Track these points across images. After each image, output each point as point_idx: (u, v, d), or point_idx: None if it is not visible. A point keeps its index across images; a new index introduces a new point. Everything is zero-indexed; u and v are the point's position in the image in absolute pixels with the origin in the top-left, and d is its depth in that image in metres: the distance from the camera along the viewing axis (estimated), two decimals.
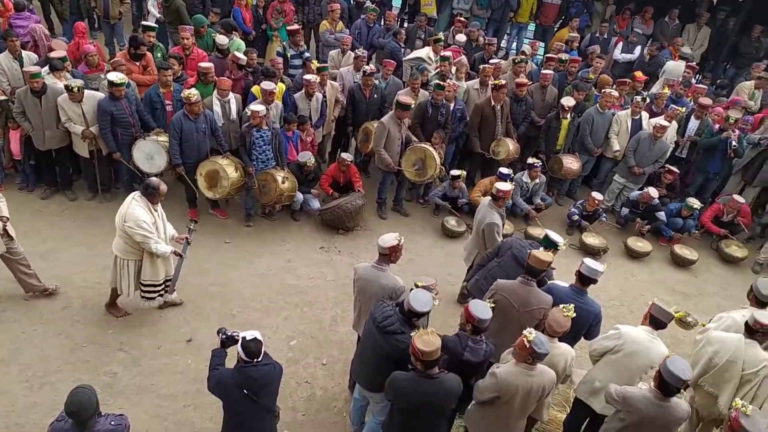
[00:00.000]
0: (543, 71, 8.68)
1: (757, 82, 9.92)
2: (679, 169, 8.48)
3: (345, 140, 8.72)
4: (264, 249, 7.06)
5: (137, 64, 7.58)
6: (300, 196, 7.39)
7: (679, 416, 3.79)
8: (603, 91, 8.44)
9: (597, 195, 8.01)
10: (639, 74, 9.47)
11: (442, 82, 7.61)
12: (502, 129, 8.08)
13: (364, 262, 4.87)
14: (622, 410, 3.89)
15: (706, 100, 8.59)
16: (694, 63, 10.52)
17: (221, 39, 7.98)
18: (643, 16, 11.36)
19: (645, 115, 8.47)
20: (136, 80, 7.47)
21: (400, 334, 3.86)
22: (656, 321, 4.34)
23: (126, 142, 6.80)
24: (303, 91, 7.47)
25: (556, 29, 12.04)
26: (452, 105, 7.88)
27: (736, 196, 8.05)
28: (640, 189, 8.34)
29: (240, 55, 7.57)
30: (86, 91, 6.59)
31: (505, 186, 5.80)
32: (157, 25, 8.69)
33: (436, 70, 8.44)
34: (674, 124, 8.46)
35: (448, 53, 8.55)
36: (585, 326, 4.58)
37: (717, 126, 8.39)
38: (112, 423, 3.40)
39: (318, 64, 7.86)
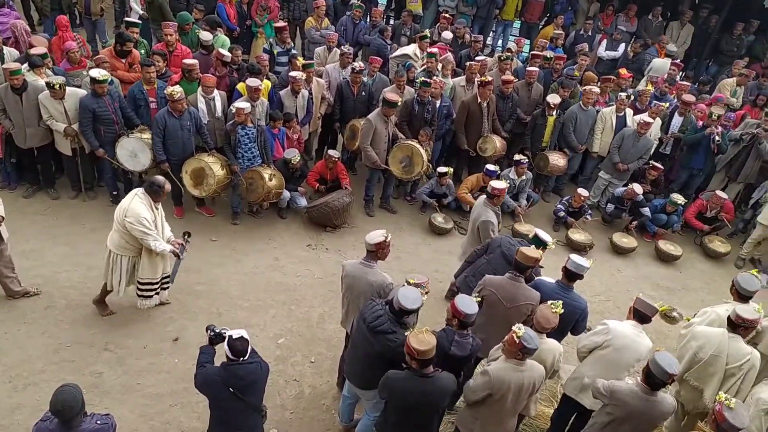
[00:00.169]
0: (528, 68, 8.71)
1: (738, 79, 10.06)
2: (663, 166, 8.56)
3: (332, 137, 8.68)
4: (251, 247, 7.02)
5: (123, 61, 7.48)
6: (287, 194, 7.35)
7: (665, 410, 3.83)
8: (584, 88, 8.51)
9: (582, 191, 8.08)
10: (624, 71, 9.55)
11: (428, 79, 7.62)
12: (488, 126, 8.10)
13: (351, 259, 4.86)
14: (609, 404, 3.93)
15: (689, 97, 8.69)
16: (679, 60, 10.64)
17: (205, 35, 7.90)
18: (627, 13, 11.45)
19: (629, 112, 8.55)
20: (121, 77, 7.39)
21: (391, 333, 3.86)
22: (641, 315, 4.39)
23: (109, 140, 6.71)
24: (289, 88, 7.43)
25: (541, 26, 12.09)
26: (438, 102, 7.88)
27: (719, 192, 8.17)
28: (625, 185, 8.42)
29: (224, 52, 7.50)
30: (68, 88, 6.50)
31: (500, 184, 5.85)
32: (140, 22, 8.57)
33: (423, 67, 8.44)
34: (658, 121, 8.55)
35: (434, 50, 8.55)
36: (571, 322, 4.62)
37: (700, 123, 8.50)
38: (98, 422, 3.36)
39: (304, 61, 7.82)
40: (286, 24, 9.02)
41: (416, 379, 3.63)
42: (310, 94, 7.68)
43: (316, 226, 7.54)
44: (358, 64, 7.89)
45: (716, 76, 11.17)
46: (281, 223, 7.56)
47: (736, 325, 4.38)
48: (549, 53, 9.44)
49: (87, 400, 3.38)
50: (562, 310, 4.19)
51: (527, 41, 11.73)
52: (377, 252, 4.43)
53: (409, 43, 9.55)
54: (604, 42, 11.06)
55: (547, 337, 4.25)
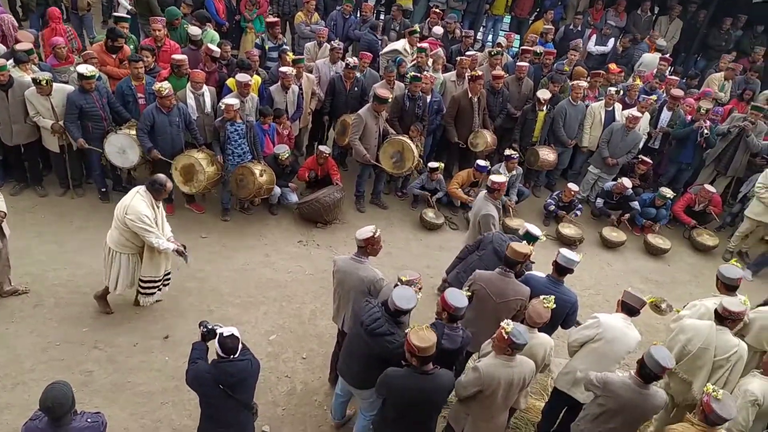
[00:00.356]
0: (519, 63, 8.73)
1: (725, 73, 10.13)
2: (652, 160, 8.62)
3: (322, 133, 8.66)
4: (241, 244, 7.00)
5: (113, 56, 7.41)
6: (278, 190, 7.33)
7: (657, 404, 3.88)
8: (573, 83, 8.54)
9: (573, 186, 8.12)
10: (613, 66, 9.60)
11: (418, 74, 7.61)
12: (479, 121, 8.11)
13: (343, 255, 4.86)
14: (601, 396, 3.96)
15: (677, 92, 8.75)
16: (668, 55, 10.69)
17: (194, 30, 7.84)
18: (617, 8, 11.49)
19: (618, 106, 8.59)
20: (111, 73, 7.31)
21: (389, 335, 3.85)
22: (629, 308, 4.45)
23: (97, 136, 6.64)
24: (279, 83, 7.39)
25: (531, 21, 12.11)
26: (429, 97, 7.88)
27: (708, 186, 8.24)
28: (614, 180, 8.48)
29: (213, 47, 7.44)
30: (55, 84, 6.42)
31: (500, 178, 5.94)
32: (129, 17, 8.48)
33: (413, 62, 8.42)
34: (647, 116, 8.60)
35: (424, 45, 8.54)
36: (562, 316, 4.65)
37: (689, 117, 8.56)
38: (89, 420, 3.34)
39: (294, 57, 7.79)
40: (278, 19, 8.96)
41: (416, 377, 3.63)
42: (300, 89, 7.64)
43: (307, 223, 7.52)
44: (353, 60, 7.86)
45: (704, 71, 11.24)
46: (272, 219, 7.54)
47: (723, 317, 4.43)
48: (539, 48, 9.45)
49: (77, 399, 3.37)
50: (554, 305, 4.22)
51: (517, 36, 11.75)
52: (367, 247, 4.44)
53: (398, 38, 9.54)
54: (594, 37, 11.11)
55: (539, 331, 4.28)
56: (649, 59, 10.49)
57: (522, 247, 4.61)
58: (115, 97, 6.80)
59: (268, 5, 10.36)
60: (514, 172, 7.98)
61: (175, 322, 5.71)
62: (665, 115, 8.72)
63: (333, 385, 5.22)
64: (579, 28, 11.13)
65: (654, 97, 8.84)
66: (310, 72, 8.08)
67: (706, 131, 8.23)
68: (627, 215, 8.34)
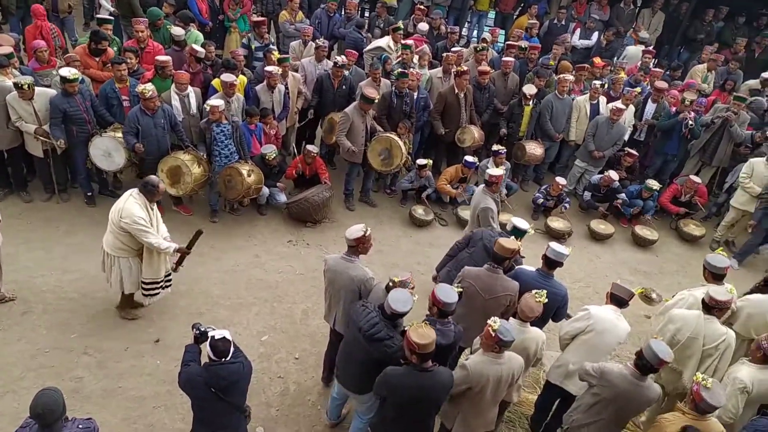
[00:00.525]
0: (504, 58, 8.75)
1: (708, 64, 10.24)
2: (637, 152, 8.70)
3: (309, 132, 8.62)
4: (231, 245, 6.96)
5: (96, 59, 7.32)
6: (266, 190, 7.30)
7: (651, 396, 3.93)
8: (559, 77, 8.59)
9: (560, 180, 8.17)
10: (598, 60, 9.66)
11: (405, 70, 7.60)
12: (466, 116, 8.13)
13: (333, 254, 4.85)
14: (597, 385, 4.00)
15: (662, 84, 8.82)
16: (651, 47, 10.77)
17: (177, 31, 7.77)
18: (600, 2, 11.53)
19: (602, 99, 8.65)
20: (95, 76, 7.23)
21: (388, 339, 3.84)
22: (618, 299, 4.51)
23: (82, 140, 6.57)
24: (265, 83, 7.35)
25: (515, 16, 12.14)
26: (416, 94, 7.88)
27: (693, 177, 8.32)
28: (601, 172, 8.54)
29: (198, 47, 7.39)
30: (37, 88, 6.33)
31: (497, 171, 5.99)
32: (112, 18, 8.38)
33: (398, 59, 8.42)
34: (632, 108, 8.67)
35: (410, 42, 8.53)
36: (553, 309, 4.68)
37: (673, 109, 8.63)
38: (80, 426, 3.31)
39: (279, 56, 7.75)
40: (264, 19, 8.90)
41: (416, 374, 3.63)
42: (286, 88, 7.61)
43: (296, 222, 7.50)
44: (341, 58, 7.83)
45: (687, 63, 11.33)
46: (261, 219, 7.51)
47: (710, 306, 4.48)
48: (524, 43, 9.48)
49: (68, 406, 3.32)
50: (546, 300, 4.24)
51: (502, 31, 11.76)
52: (357, 247, 4.43)
53: (383, 36, 9.51)
54: (578, 31, 11.15)
55: (531, 325, 4.30)
56: (633, 52, 10.58)
57: (509, 242, 4.62)
58: (99, 100, 6.73)
59: (252, 4, 10.31)
60: (502, 167, 8.00)
61: (166, 325, 5.67)
62: (650, 108, 8.80)
63: (326, 384, 5.23)
64: (563, 23, 11.16)
65: (638, 89, 8.91)
66: (296, 71, 8.04)
67: (690, 122, 8.31)
68: (619, 200, 8.37)
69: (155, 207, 5.19)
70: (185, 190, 6.78)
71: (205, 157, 6.80)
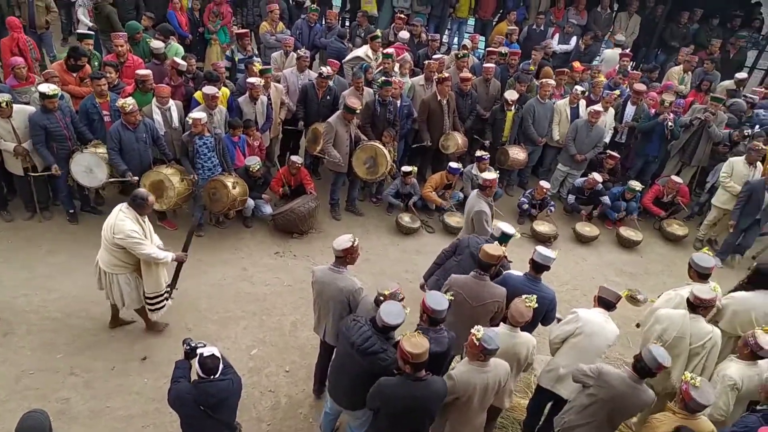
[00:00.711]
0: (485, 65, 8.82)
1: (684, 66, 10.42)
2: (619, 154, 8.80)
3: (293, 143, 8.61)
4: (217, 258, 6.90)
5: (74, 75, 7.24)
6: (251, 202, 7.26)
7: (646, 400, 3.96)
8: (541, 81, 8.68)
9: (544, 183, 8.22)
10: (577, 64, 9.78)
11: (389, 78, 7.63)
12: (449, 123, 8.17)
13: (321, 265, 4.83)
14: (593, 386, 4.01)
15: (640, 86, 8.95)
16: (628, 50, 10.94)
17: (156, 44, 7.72)
18: (577, 7, 11.70)
19: (582, 103, 8.75)
20: (73, 92, 7.14)
21: (382, 352, 3.80)
22: (605, 302, 4.55)
23: (63, 157, 6.48)
24: (247, 94, 7.33)
25: (495, 23, 12.26)
26: (399, 102, 7.91)
27: (675, 177, 8.44)
28: (583, 175, 8.63)
29: (180, 60, 7.35)
30: (15, 106, 6.24)
31: (490, 175, 6.03)
32: (93, 33, 8.29)
33: (379, 68, 8.45)
34: (611, 111, 8.78)
35: (390, 50, 8.57)
36: (542, 313, 4.69)
37: (653, 111, 8.76)
38: None
39: (261, 67, 7.74)
40: (247, 30, 8.88)
41: (410, 384, 3.60)
42: (269, 99, 7.59)
43: (282, 234, 7.46)
44: (326, 69, 7.82)
45: (665, 65, 11.52)
46: (247, 232, 7.46)
47: (695, 305, 4.53)
48: (504, 49, 9.58)
49: (55, 428, 3.27)
50: (536, 305, 4.26)
51: (482, 38, 11.87)
52: (346, 257, 4.41)
53: (363, 44, 9.55)
54: (557, 36, 11.29)
55: (520, 330, 4.31)
56: (610, 55, 10.74)
57: (494, 249, 4.62)
58: (80, 116, 6.66)
59: (232, 16, 10.29)
60: (495, 172, 8.05)
61: (153, 342, 5.60)
62: (630, 110, 8.91)
63: (318, 396, 5.19)
64: (542, 28, 11.30)
65: (617, 92, 9.04)
66: (278, 82, 8.03)
67: (670, 124, 8.44)
68: (596, 211, 8.51)
69: (146, 219, 5.14)
70: (169, 204, 6.72)
71: (195, 178, 6.74)
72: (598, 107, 8.33)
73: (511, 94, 8.35)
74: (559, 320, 4.84)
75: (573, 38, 11.29)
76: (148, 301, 5.31)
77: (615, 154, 8.66)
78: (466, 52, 9.17)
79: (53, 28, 9.93)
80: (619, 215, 8.46)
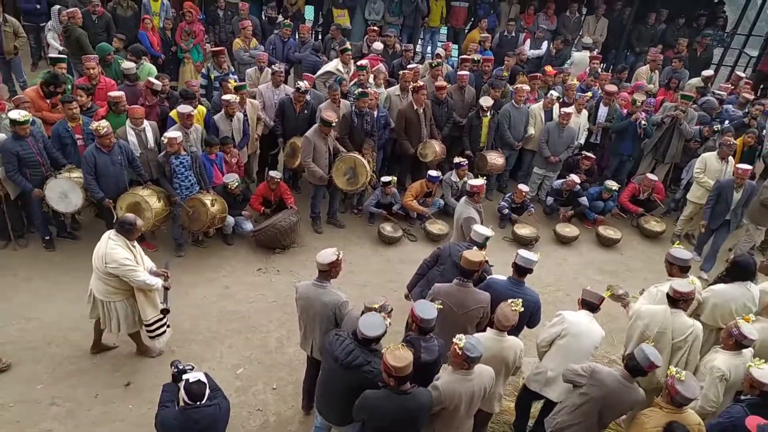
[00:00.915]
0: (459, 72, 8.91)
1: (650, 65, 10.66)
2: (594, 155, 8.92)
3: (272, 159, 8.58)
4: (198, 278, 6.82)
5: (47, 101, 7.13)
6: (231, 219, 7.21)
7: (637, 398, 4.00)
8: (515, 86, 8.80)
9: (523, 187, 8.30)
10: (549, 68, 9.93)
11: (365, 90, 7.66)
12: (427, 131, 8.22)
13: (304, 279, 4.80)
14: (586, 385, 4.03)
15: (611, 87, 9.11)
16: (596, 52, 11.14)
17: (127, 65, 7.65)
18: (546, 12, 11.91)
19: (556, 106, 8.86)
20: (48, 118, 7.02)
21: (366, 364, 3.75)
22: (589, 304, 4.60)
23: (36, 183, 6.36)
24: (223, 112, 7.30)
25: (467, 31, 12.40)
26: (376, 113, 7.94)
27: (649, 175, 8.59)
28: (560, 176, 8.73)
29: (155, 80, 7.30)
30: None
31: (477, 182, 6.07)
32: (66, 57, 8.18)
33: (353, 81, 8.48)
34: (585, 113, 8.91)
35: (364, 62, 8.61)
36: (527, 316, 4.72)
37: (625, 111, 8.92)
38: None
39: (235, 83, 7.71)
40: (223, 48, 8.86)
41: (395, 397, 3.56)
42: (245, 116, 7.57)
43: (264, 249, 7.41)
44: (303, 84, 7.82)
45: (635, 65, 11.74)
46: (228, 250, 7.40)
47: (676, 299, 4.58)
48: (477, 56, 9.69)
49: None
50: (522, 309, 4.28)
51: (455, 46, 12.01)
52: (330, 271, 4.37)
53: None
54: (528, 41, 11.46)
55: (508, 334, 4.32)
56: (579, 57, 10.94)
57: (474, 254, 4.63)
58: (52, 141, 6.56)
59: (204, 34, 10.27)
60: (465, 179, 8.11)
61: (136, 367, 5.50)
62: (602, 111, 9.06)
63: (307, 412, 5.14)
64: (513, 34, 11.47)
65: (589, 93, 9.19)
66: (254, 98, 8.01)
67: (644, 122, 8.59)
68: (572, 212, 8.62)
69: (136, 243, 5.10)
70: (147, 226, 6.61)
71: (178, 199, 6.68)
72: (568, 109, 8.46)
73: (485, 101, 8.43)
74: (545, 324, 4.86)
75: (544, 43, 11.48)
76: (148, 328, 5.23)
77: (590, 155, 8.78)
78: (439, 60, 9.26)
79: (22, 54, 9.81)
80: (598, 219, 8.55)
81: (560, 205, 8.70)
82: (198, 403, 3.57)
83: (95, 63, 7.54)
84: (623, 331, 5.31)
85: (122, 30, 9.55)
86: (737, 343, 4.37)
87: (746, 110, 9.11)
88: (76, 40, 8.90)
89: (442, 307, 4.19)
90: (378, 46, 9.70)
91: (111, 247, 4.85)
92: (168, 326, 5.38)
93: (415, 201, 8.04)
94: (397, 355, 3.50)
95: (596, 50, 11.34)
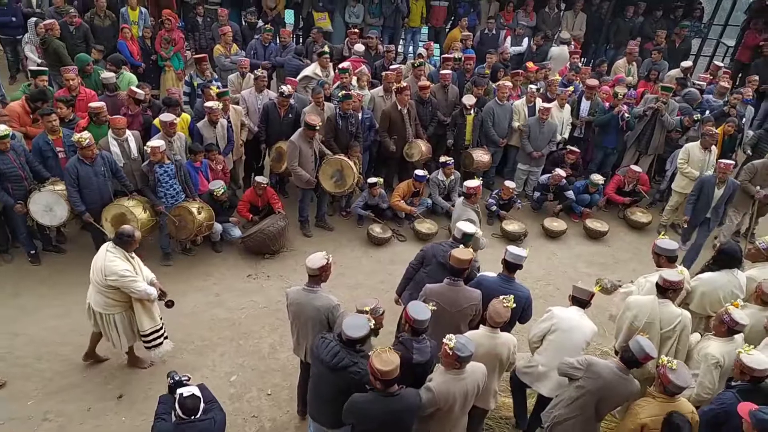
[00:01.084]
0: (442, 72, 8.93)
1: (627, 57, 10.78)
2: (579, 149, 8.99)
3: (257, 164, 8.54)
4: (188, 287, 6.77)
5: (30, 116, 7.03)
6: (219, 226, 7.17)
7: (633, 390, 4.03)
8: (498, 84, 8.84)
9: (510, 183, 8.34)
10: (530, 64, 9.99)
11: (349, 92, 7.66)
12: (412, 131, 8.24)
13: (295, 283, 4.79)
14: (583, 377, 4.05)
15: (593, 81, 9.19)
16: (573, 47, 11.22)
17: (105, 74, 7.58)
18: (525, 9, 11.98)
19: (539, 101, 8.92)
20: (32, 133, 6.92)
21: (353, 365, 3.75)
22: (579, 301, 4.65)
23: (19, 197, 6.28)
24: (206, 119, 7.26)
25: (447, 30, 12.44)
26: (360, 114, 7.94)
27: (634, 166, 8.68)
28: (545, 171, 8.79)
29: (137, 89, 7.24)
30: None
31: (473, 183, 6.09)
32: (47, 69, 8.07)
33: (336, 84, 8.47)
34: (568, 108, 8.98)
35: (346, 65, 8.61)
36: (518, 311, 4.74)
37: (607, 104, 8.99)
38: None
39: (217, 90, 7.67)
40: (205, 55, 8.79)
41: (382, 400, 3.56)
42: (229, 122, 7.52)
43: (254, 255, 7.37)
44: (287, 88, 7.78)
45: (615, 59, 11.84)
46: (217, 257, 7.35)
47: (665, 289, 4.63)
48: (458, 54, 9.72)
49: None
50: (515, 305, 4.30)
51: (437, 45, 12.04)
52: (320, 275, 4.36)
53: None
54: (509, 38, 11.52)
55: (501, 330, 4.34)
56: (557, 52, 11.01)
57: (463, 253, 4.63)
58: (33, 155, 6.47)
59: (184, 41, 10.20)
60: (452, 177, 8.14)
61: (128, 379, 5.45)
62: (585, 105, 9.12)
63: (302, 417, 5.12)
64: (494, 32, 11.51)
65: (571, 88, 9.26)
66: (237, 103, 7.97)
67: (627, 115, 8.68)
68: (560, 206, 8.67)
69: (134, 254, 5.07)
70: None
71: (162, 208, 6.62)
72: (546, 105, 8.53)
73: (468, 99, 8.46)
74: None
75: (524, 39, 11.54)
76: (145, 338, 5.19)
77: (575, 149, 8.84)
78: (422, 60, 9.28)
79: None
80: (584, 212, 8.62)
81: (547, 200, 8.75)
82: (192, 417, 3.54)
83: (75, 74, 7.46)
84: (613, 322, 5.36)
85: (101, 40, 9.46)
86: (729, 329, 4.42)
87: (725, 99, 9.24)
88: (55, 51, 8.79)
89: (436, 308, 4.20)
90: (359, 47, 9.70)
91: (110, 259, 4.83)
92: (166, 338, 5.34)
93: (402, 201, 8.05)
94: (384, 359, 3.49)
95: (572, 45, 11.41)
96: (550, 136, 8.67)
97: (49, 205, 6.35)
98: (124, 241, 4.91)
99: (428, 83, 8.54)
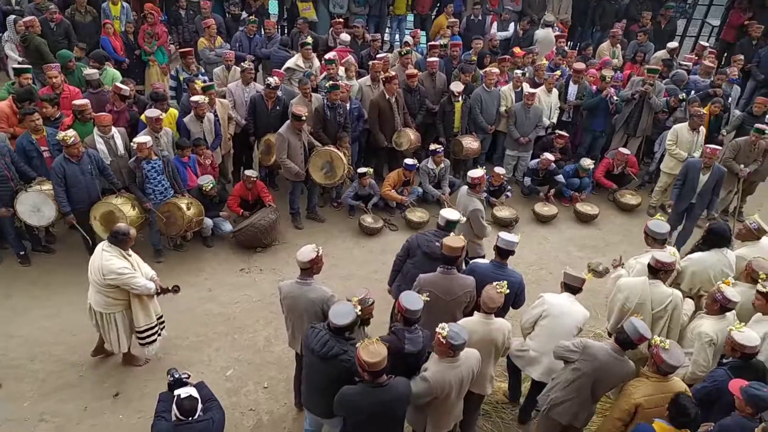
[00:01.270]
0: (429, 59, 8.90)
1: (611, 40, 10.78)
2: (567, 132, 9.01)
3: (246, 157, 8.49)
4: (181, 282, 6.57)
5: (18, 116, 6.92)
6: (209, 221, 7.13)
7: (628, 371, 4.07)
8: (485, 70, 8.82)
9: (499, 169, 8.34)
10: (517, 50, 9.96)
11: (336, 82, 7.61)
12: (400, 120, 8.21)
13: (288, 276, 4.78)
14: (578, 360, 4.08)
15: (579, 65, 9.19)
16: (560, 30, 11.20)
17: (88, 71, 7.48)
18: None
19: (526, 86, 8.91)
20: (19, 133, 6.81)
21: (342, 354, 3.76)
22: (570, 287, 4.67)
23: (6, 198, 6.21)
24: (192, 113, 7.19)
25: (433, 17, 12.37)
26: (348, 105, 7.89)
27: (622, 149, 8.71)
28: (533, 155, 8.80)
29: (122, 86, 7.15)
30: None
31: (477, 173, 6.05)
32: (30, 67, 7.93)
33: (323, 74, 8.41)
34: (555, 92, 8.98)
35: (331, 55, 8.54)
36: (512, 297, 4.77)
37: (595, 87, 9.00)
38: None
39: (203, 84, 7.59)
40: (191, 49, 8.69)
41: (371, 391, 3.57)
42: (216, 116, 7.46)
43: (245, 249, 7.35)
44: (274, 80, 7.71)
45: (601, 41, 11.83)
46: (208, 252, 7.32)
47: (656, 270, 4.67)
48: (444, 40, 9.68)
49: None
50: (508, 291, 4.32)
51: (423, 32, 11.97)
52: (312, 268, 4.36)
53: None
54: (495, 23, 11.47)
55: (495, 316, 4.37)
56: (543, 35, 10.98)
57: (455, 240, 4.64)
58: (18, 155, 6.38)
59: (168, 35, 10.08)
60: (442, 165, 8.13)
61: (124, 377, 5.43)
62: (572, 89, 9.13)
63: (300, 409, 5.13)
64: (480, 17, 11.47)
65: (558, 72, 9.26)
66: (223, 97, 7.91)
67: (615, 98, 8.69)
68: (552, 190, 8.70)
69: (131, 251, 5.06)
70: None
71: (149, 205, 6.56)
72: (531, 90, 8.53)
73: (456, 86, 8.44)
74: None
75: (511, 24, 11.51)
76: (139, 335, 5.19)
77: (564, 133, 8.86)
78: (408, 48, 9.23)
79: None
80: (574, 195, 8.65)
81: (537, 185, 8.78)
82: (190, 418, 3.54)
83: (57, 71, 7.35)
84: (604, 305, 5.41)
85: (82, 36, 9.34)
86: (722, 307, 4.48)
87: (711, 79, 9.28)
88: (36, 49, 8.66)
89: (429, 299, 4.21)
90: (345, 37, 9.62)
91: (106, 258, 4.81)
92: (159, 334, 5.33)
93: (393, 190, 8.05)
94: (371, 350, 3.50)
95: (557, 28, 11.38)
96: (537, 121, 8.68)
97: (36, 206, 6.29)
98: (119, 240, 4.89)
99: (415, 71, 8.50)
